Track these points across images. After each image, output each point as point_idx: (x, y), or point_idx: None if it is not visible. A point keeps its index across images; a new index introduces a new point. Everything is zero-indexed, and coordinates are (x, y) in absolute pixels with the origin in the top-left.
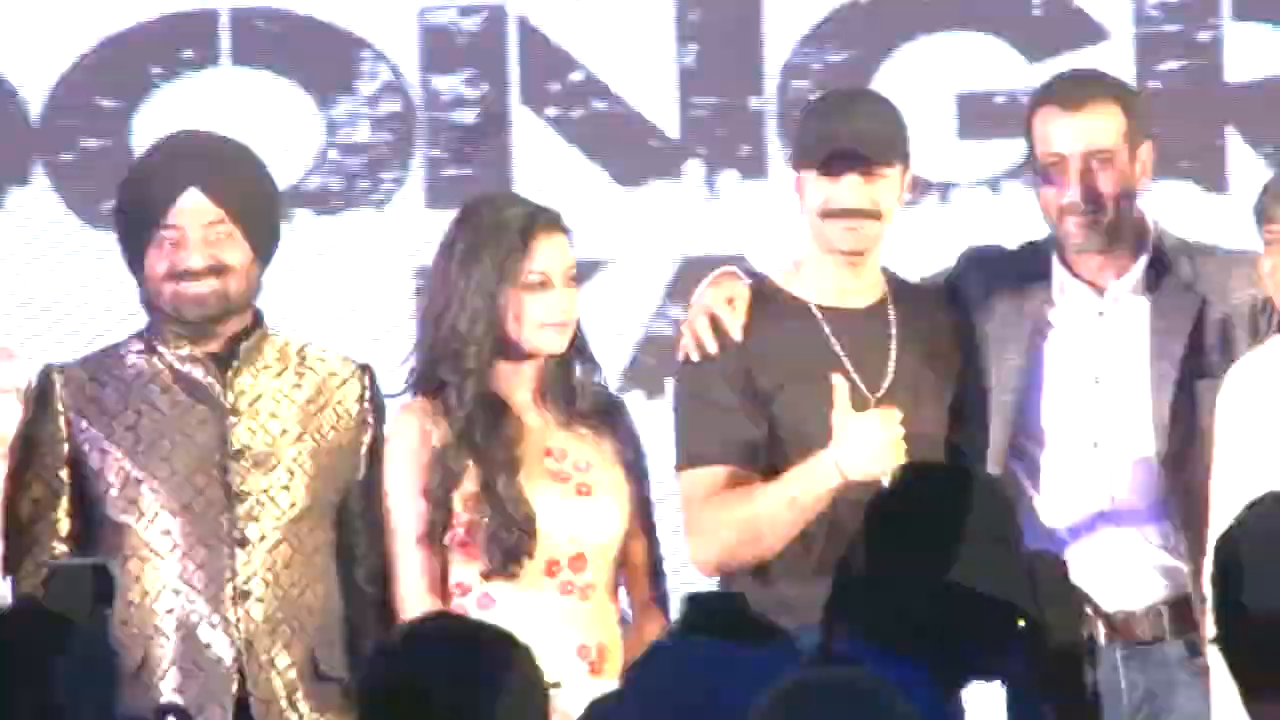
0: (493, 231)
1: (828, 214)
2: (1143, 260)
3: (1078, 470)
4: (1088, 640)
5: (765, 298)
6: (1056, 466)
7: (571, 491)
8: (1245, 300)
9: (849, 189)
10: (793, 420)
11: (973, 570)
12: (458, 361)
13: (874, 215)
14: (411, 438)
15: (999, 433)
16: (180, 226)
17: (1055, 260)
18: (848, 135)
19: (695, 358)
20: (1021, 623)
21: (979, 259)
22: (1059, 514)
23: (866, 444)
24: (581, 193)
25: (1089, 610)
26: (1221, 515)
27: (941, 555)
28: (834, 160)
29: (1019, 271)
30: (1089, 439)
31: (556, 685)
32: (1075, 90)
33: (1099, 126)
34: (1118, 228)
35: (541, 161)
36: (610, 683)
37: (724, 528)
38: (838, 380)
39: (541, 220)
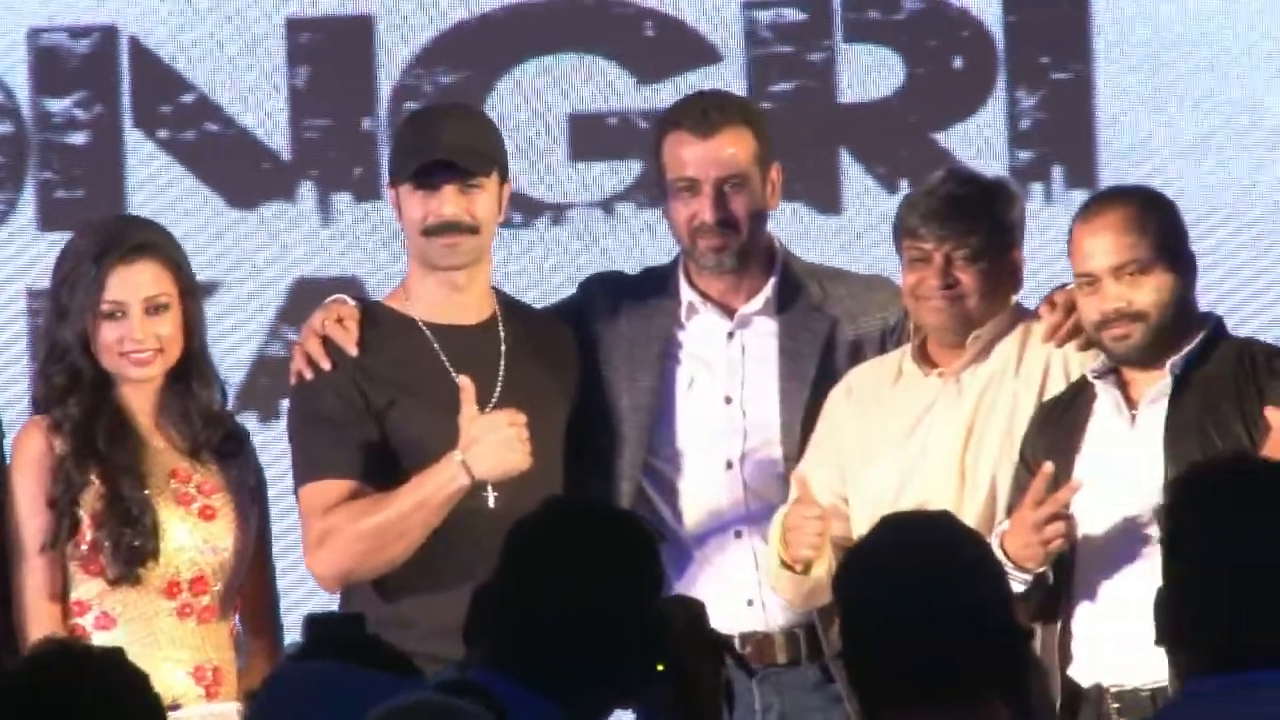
0: (79, 260)
1: (426, 230)
2: (772, 282)
3: (712, 490)
4: (725, 684)
5: (375, 317)
6: (691, 486)
7: (195, 514)
8: (876, 324)
9: (444, 202)
10: (406, 434)
11: (609, 609)
12: (70, 379)
13: (471, 229)
14: (34, 451)
15: (632, 453)
16: None
17: (684, 282)
18: (440, 148)
19: (309, 376)
20: (660, 667)
21: (603, 283)
22: (694, 534)
23: (490, 442)
24: (194, 214)
25: (725, 653)
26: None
27: (580, 591)
28: (428, 173)
29: (646, 295)
30: (723, 459)
31: (175, 707)
32: (707, 115)
33: (731, 151)
34: (750, 250)
35: (154, 183)
36: (226, 705)
37: (353, 538)
38: (464, 380)
39: (116, 251)
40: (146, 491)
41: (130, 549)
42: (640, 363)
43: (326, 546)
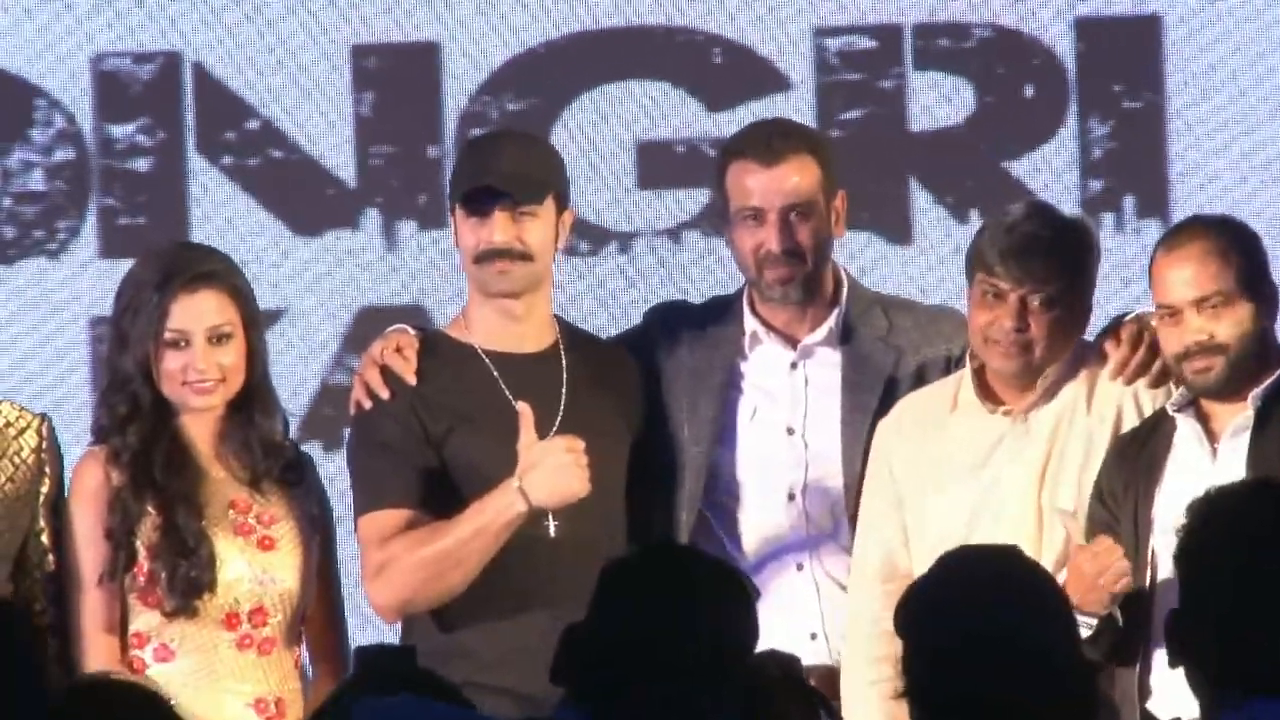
0: (141, 288)
1: (478, 257)
2: (836, 312)
3: (774, 521)
4: None
5: (434, 346)
6: (753, 517)
7: (254, 545)
8: (940, 355)
9: (495, 228)
10: (465, 462)
11: (704, 656)
12: (131, 408)
13: (523, 256)
14: (91, 482)
15: (693, 483)
16: None
17: (747, 312)
18: (490, 173)
19: (367, 405)
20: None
21: (667, 312)
22: (755, 566)
23: (548, 468)
24: (258, 241)
25: (820, 707)
26: (861, 548)
27: (675, 636)
28: (479, 198)
29: (709, 324)
30: (784, 490)
31: None
32: (771, 144)
33: (796, 180)
34: (815, 280)
35: (218, 210)
36: None
37: (411, 567)
38: (522, 407)
39: (179, 279)
40: (204, 522)
41: (186, 580)
42: (702, 393)
43: (384, 577)
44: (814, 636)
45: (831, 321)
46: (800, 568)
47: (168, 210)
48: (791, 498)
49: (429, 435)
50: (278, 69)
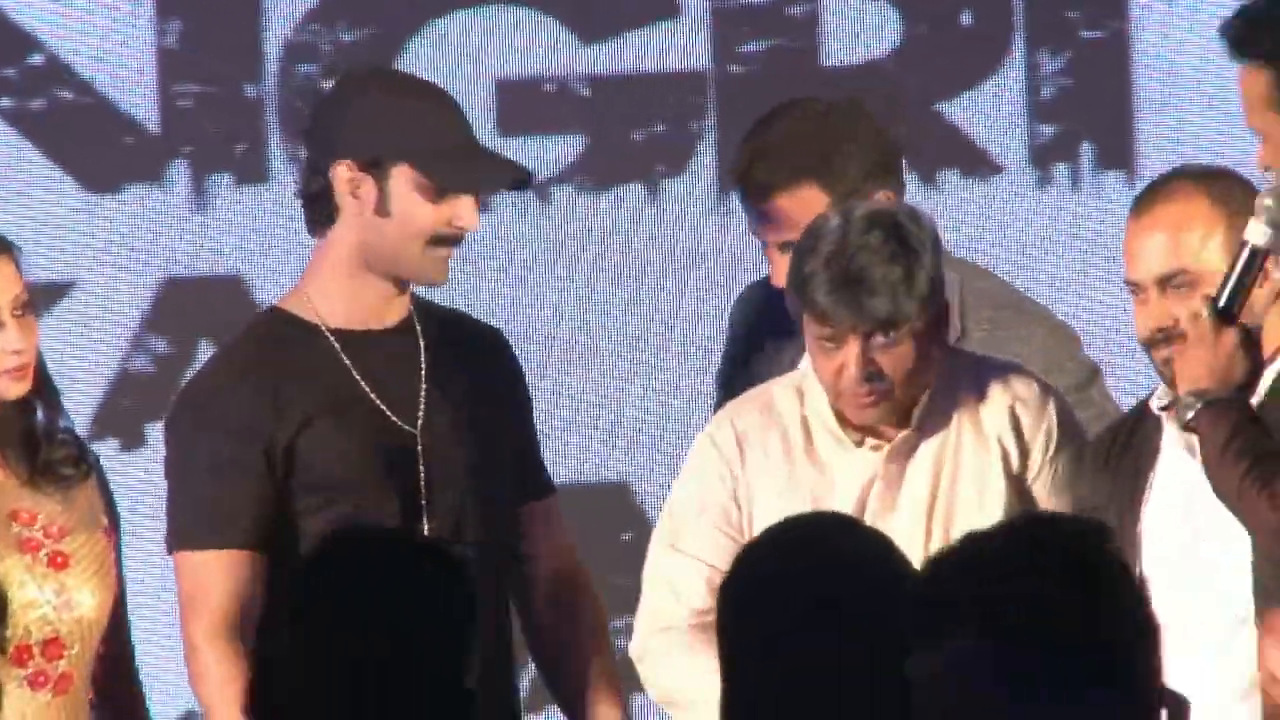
0: None
1: (438, 239)
2: None
3: None
4: None
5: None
6: None
7: (44, 563)
8: None
9: (467, 210)
10: (316, 461)
11: None
12: None
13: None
14: None
15: None
16: None
17: None
18: (512, 163)
19: None
20: None
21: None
22: None
23: None
24: (43, 200)
25: None
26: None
27: None
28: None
29: None
30: None
31: None
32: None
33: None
34: None
35: None
36: None
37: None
38: None
39: None
40: None
41: None
42: None
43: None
44: None
45: None
46: None
47: None
48: None
49: (273, 443)
50: None
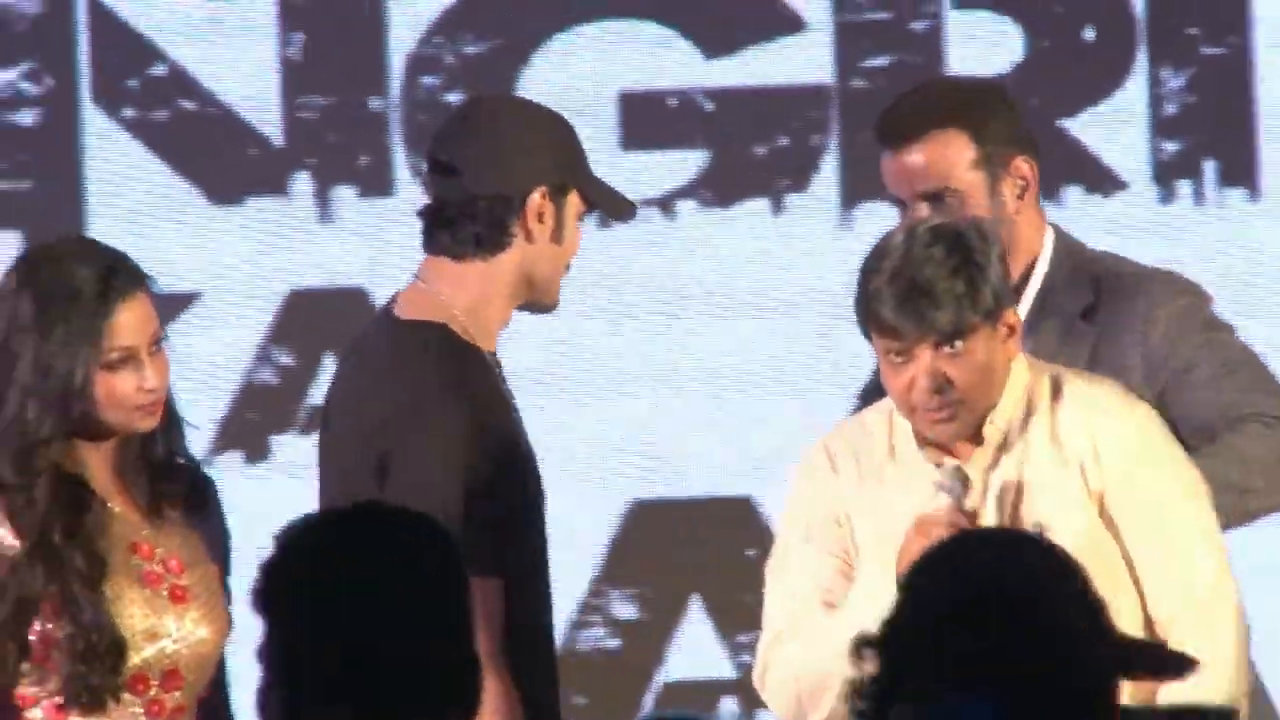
0: (62, 302)
1: (568, 265)
2: None
3: None
4: None
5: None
6: None
7: (165, 597)
8: None
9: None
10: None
11: None
12: (27, 459)
13: None
14: None
15: None
16: None
17: None
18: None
19: None
20: None
21: None
22: None
23: None
24: (167, 211)
25: None
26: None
27: None
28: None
29: None
30: None
31: None
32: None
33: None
34: None
35: (117, 174)
36: None
37: None
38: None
39: (117, 283)
40: (106, 588)
41: (90, 690)
42: None
43: None
44: None
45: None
46: None
47: (57, 173)
48: None
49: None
50: (189, 3)
